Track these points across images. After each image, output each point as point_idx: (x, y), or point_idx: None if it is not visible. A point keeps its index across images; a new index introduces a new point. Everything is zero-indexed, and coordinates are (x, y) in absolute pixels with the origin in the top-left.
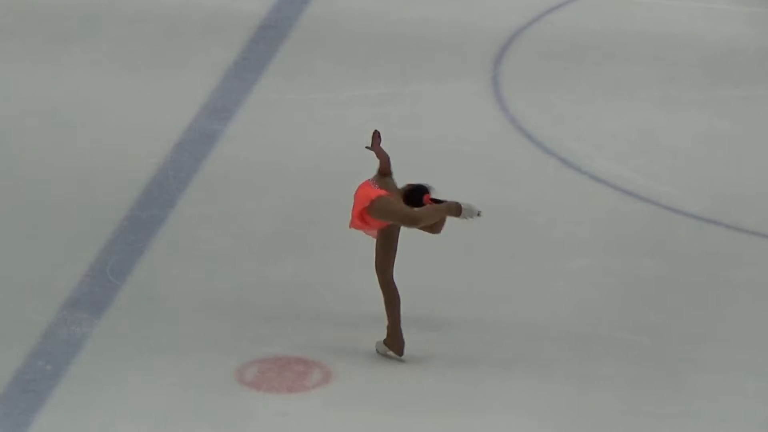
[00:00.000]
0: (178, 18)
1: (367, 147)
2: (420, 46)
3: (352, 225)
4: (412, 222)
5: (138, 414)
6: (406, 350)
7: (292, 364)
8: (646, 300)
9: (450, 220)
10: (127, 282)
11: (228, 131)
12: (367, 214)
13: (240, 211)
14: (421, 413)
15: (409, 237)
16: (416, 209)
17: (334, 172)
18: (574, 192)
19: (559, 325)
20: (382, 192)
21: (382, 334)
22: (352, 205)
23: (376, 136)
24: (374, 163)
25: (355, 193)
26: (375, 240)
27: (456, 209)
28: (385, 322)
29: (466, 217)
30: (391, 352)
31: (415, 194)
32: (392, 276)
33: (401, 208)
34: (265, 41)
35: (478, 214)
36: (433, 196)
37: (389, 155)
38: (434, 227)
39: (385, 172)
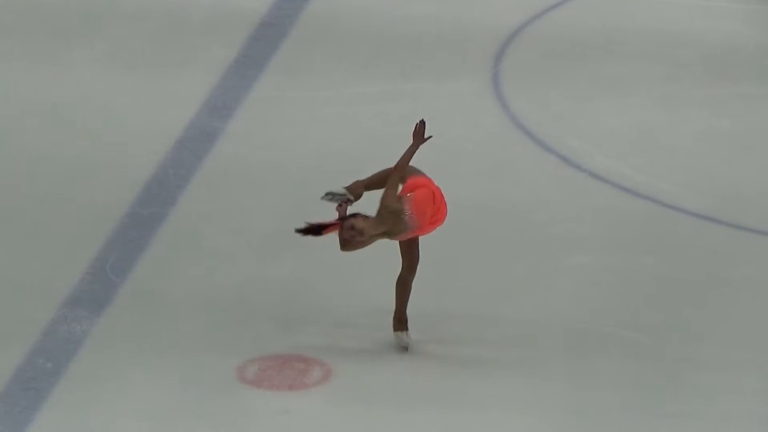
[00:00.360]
0: (178, 16)
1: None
2: (420, 44)
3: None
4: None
5: (138, 411)
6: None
7: (293, 361)
8: (646, 298)
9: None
10: (127, 279)
11: (228, 129)
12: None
13: (240, 208)
14: (421, 410)
15: None
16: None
17: (334, 170)
18: (573, 189)
19: (559, 323)
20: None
21: (382, 332)
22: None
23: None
24: (374, 161)
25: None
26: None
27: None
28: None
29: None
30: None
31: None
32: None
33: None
34: (266, 39)
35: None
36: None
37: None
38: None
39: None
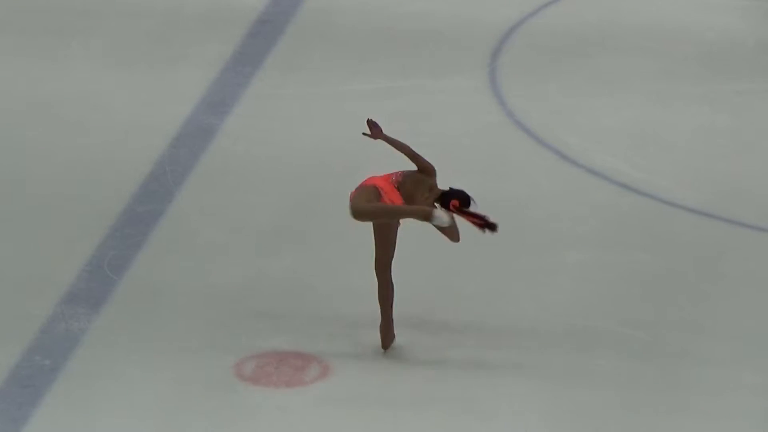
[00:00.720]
0: (174, 12)
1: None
2: (418, 40)
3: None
4: (355, 214)
5: (136, 408)
6: (403, 344)
7: (290, 358)
8: (644, 294)
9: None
10: (124, 277)
11: (225, 125)
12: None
13: (238, 205)
14: (418, 408)
15: (407, 233)
16: (379, 205)
17: (331, 167)
18: (571, 186)
19: (557, 320)
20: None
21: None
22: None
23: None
24: (371, 158)
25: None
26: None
27: (425, 214)
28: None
29: (435, 223)
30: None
31: (446, 198)
32: (390, 274)
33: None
34: (263, 35)
35: (448, 225)
36: (470, 208)
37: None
38: (451, 235)
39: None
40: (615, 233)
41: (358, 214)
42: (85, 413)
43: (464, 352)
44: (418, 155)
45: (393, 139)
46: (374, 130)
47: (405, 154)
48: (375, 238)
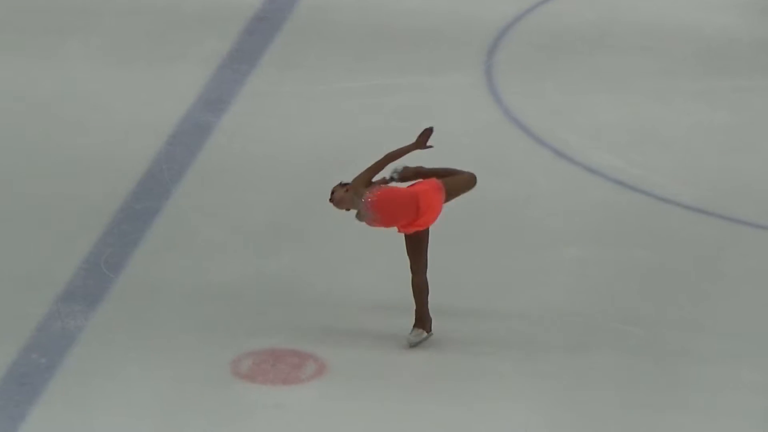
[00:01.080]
0: (172, 10)
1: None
2: (415, 37)
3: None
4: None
5: (133, 406)
6: (401, 343)
7: (287, 356)
8: (641, 291)
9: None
10: (121, 274)
11: (222, 123)
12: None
13: (235, 203)
14: (415, 405)
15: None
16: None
17: (329, 164)
18: (568, 183)
19: (554, 316)
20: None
21: (378, 326)
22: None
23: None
24: (368, 155)
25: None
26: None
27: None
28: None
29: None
30: (424, 334)
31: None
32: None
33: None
34: (260, 33)
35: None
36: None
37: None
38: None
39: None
40: (613, 230)
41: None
42: (82, 411)
43: (462, 349)
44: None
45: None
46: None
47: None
48: (408, 253)
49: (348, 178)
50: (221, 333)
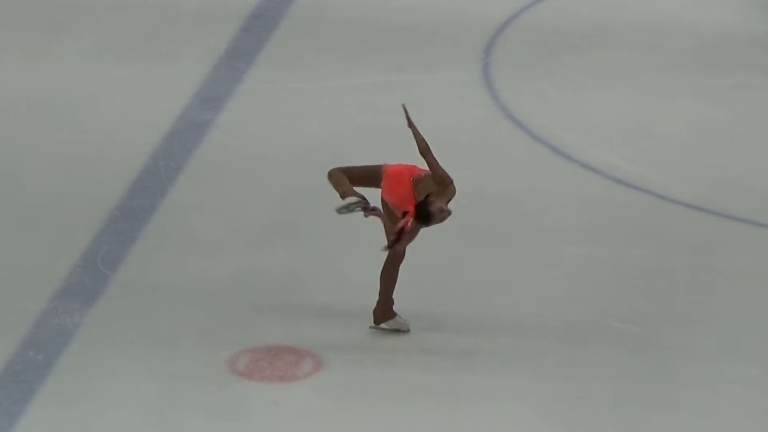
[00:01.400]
0: (168, 7)
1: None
2: (411, 34)
3: (400, 205)
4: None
5: (129, 403)
6: (397, 337)
7: (284, 353)
8: (638, 289)
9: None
10: (118, 271)
11: (219, 120)
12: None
13: (231, 200)
14: (412, 402)
15: None
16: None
17: (325, 161)
18: (565, 180)
19: (551, 314)
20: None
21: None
22: (394, 184)
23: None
24: (364, 152)
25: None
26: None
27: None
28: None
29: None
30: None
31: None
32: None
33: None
34: (256, 30)
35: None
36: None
37: (380, 144)
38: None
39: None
40: (609, 228)
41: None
42: (79, 408)
43: (458, 346)
44: (433, 161)
45: (418, 132)
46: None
47: (419, 149)
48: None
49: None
50: (218, 330)
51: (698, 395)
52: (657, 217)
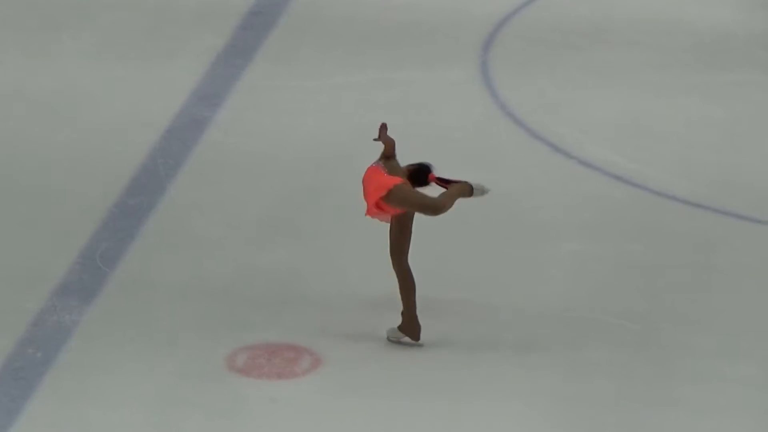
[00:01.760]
0: (167, 5)
1: (374, 139)
2: (409, 32)
3: (369, 213)
4: (433, 211)
5: (128, 400)
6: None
7: (282, 350)
8: (636, 286)
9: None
10: (117, 269)
11: (217, 118)
12: (384, 203)
13: (230, 197)
14: (410, 399)
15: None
16: (436, 198)
17: (323, 159)
18: (564, 178)
19: (549, 311)
20: (398, 179)
21: (373, 321)
22: (363, 191)
23: (383, 128)
24: (363, 150)
25: (366, 180)
26: (388, 226)
27: (468, 190)
28: (399, 308)
29: (476, 196)
30: (405, 338)
31: (420, 174)
32: (407, 262)
33: (421, 196)
34: (255, 28)
35: (487, 192)
36: (436, 174)
37: (379, 142)
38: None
39: (389, 155)
40: (608, 224)
41: (437, 209)
42: (78, 405)
43: (456, 343)
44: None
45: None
46: (383, 133)
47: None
48: (393, 228)
49: (344, 174)
50: (217, 327)
51: (697, 394)
52: (656, 214)
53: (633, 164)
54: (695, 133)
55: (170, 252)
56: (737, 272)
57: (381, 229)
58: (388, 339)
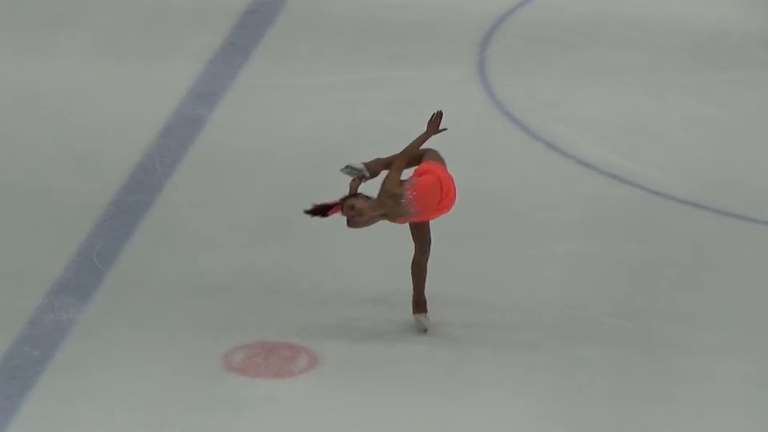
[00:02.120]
0: (163, 3)
1: (442, 129)
2: (406, 30)
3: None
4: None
5: (125, 399)
6: (393, 336)
7: (279, 349)
8: (633, 285)
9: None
10: (113, 267)
11: (214, 116)
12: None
13: (226, 196)
14: (407, 396)
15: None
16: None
17: (320, 158)
18: (560, 176)
19: (546, 310)
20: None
21: (370, 318)
22: (447, 199)
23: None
24: (360, 149)
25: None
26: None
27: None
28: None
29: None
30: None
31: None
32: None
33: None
34: (251, 26)
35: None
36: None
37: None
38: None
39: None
40: (604, 224)
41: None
42: (74, 404)
43: (452, 342)
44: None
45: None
46: (436, 122)
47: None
48: (415, 238)
49: (342, 173)
50: (213, 326)
51: (694, 391)
52: (651, 213)
53: (629, 163)
54: (692, 131)
55: (167, 250)
56: (733, 270)
57: (379, 229)
58: (426, 331)
